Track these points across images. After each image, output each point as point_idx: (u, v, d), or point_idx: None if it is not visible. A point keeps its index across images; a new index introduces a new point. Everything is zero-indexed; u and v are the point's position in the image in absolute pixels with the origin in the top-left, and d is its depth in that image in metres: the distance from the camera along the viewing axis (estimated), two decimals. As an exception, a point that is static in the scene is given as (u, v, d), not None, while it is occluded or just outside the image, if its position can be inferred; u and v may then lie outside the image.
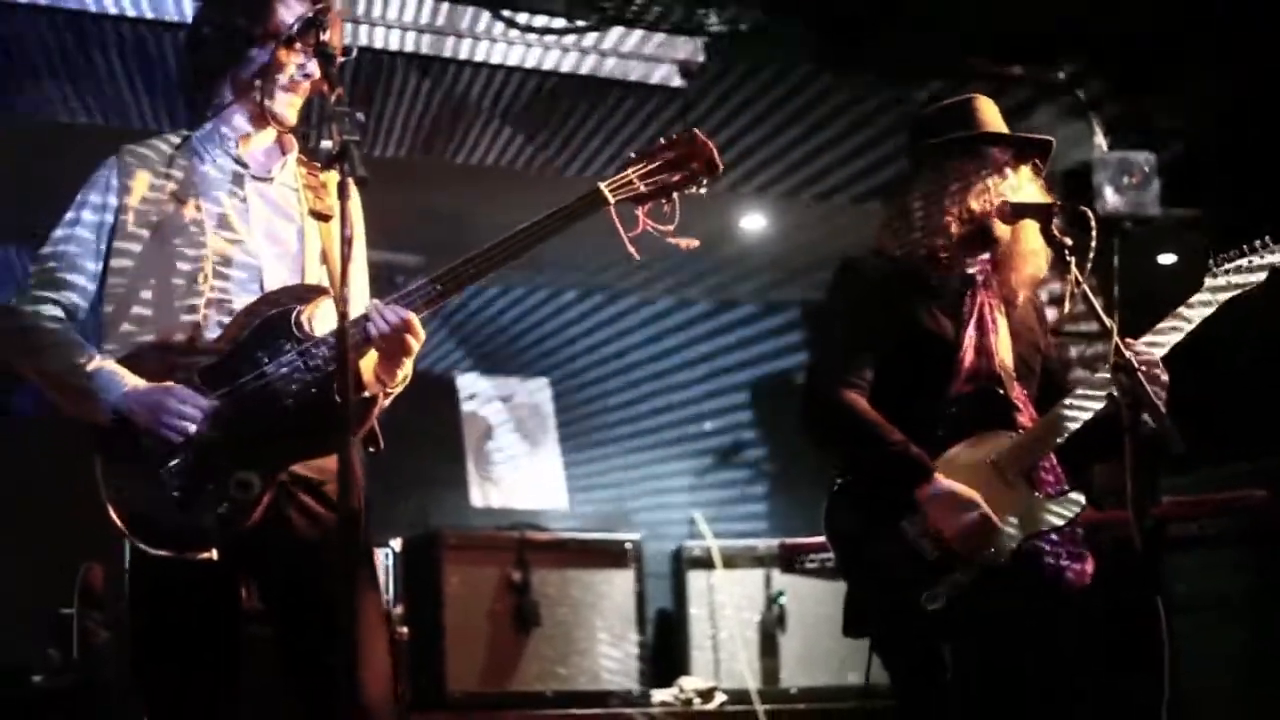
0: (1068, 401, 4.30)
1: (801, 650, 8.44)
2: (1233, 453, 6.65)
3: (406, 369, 3.88)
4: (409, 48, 7.42)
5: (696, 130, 3.91)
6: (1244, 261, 4.33)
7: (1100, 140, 8.24)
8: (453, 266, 3.77)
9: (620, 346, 10.18)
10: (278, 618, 3.88)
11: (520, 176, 8.14)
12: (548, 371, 10.08)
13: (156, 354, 3.80)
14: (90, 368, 3.76)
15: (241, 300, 3.83)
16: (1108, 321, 4.11)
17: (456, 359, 9.69)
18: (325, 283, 3.91)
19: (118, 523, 3.75)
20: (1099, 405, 4.24)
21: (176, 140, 4.02)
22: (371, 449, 3.94)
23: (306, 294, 3.84)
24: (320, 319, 3.81)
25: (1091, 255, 4.18)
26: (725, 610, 8.52)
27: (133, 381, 3.74)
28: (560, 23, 7.51)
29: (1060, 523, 4.23)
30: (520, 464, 9.64)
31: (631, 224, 3.88)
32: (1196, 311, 4.31)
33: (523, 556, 7.86)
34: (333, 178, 3.81)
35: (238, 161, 3.98)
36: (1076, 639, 4.32)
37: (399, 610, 6.71)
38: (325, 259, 3.95)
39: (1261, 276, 4.32)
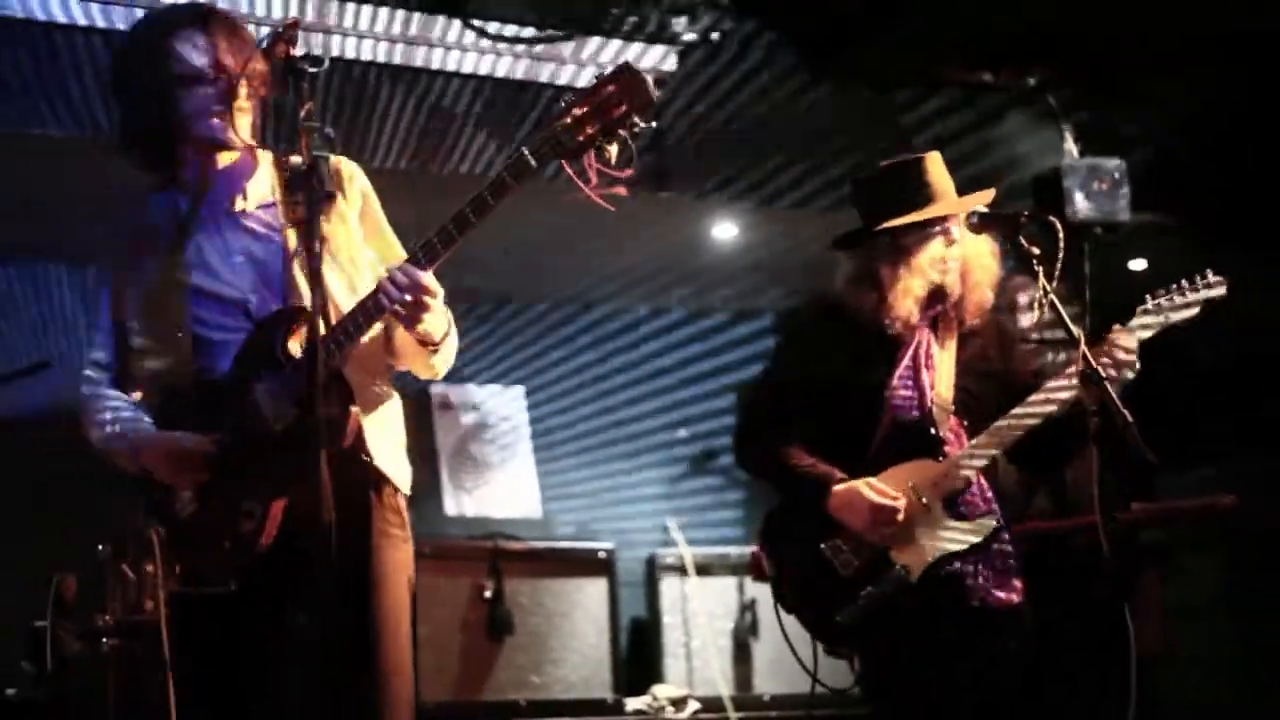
0: (988, 430, 4.45)
1: (774, 657, 8.44)
2: (1199, 458, 6.68)
3: (438, 323, 3.90)
4: (380, 58, 7.41)
5: (628, 62, 3.60)
6: (1176, 297, 4.37)
7: (1070, 147, 8.26)
8: (429, 238, 3.76)
9: (593, 356, 10.18)
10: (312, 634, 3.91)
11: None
12: (522, 380, 10.07)
13: (168, 403, 3.95)
14: (116, 430, 3.95)
15: (234, 336, 3.87)
16: (1075, 330, 4.15)
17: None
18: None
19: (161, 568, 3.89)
20: (1008, 440, 4.41)
21: (153, 195, 4.07)
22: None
23: (293, 317, 3.84)
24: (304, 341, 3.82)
25: (1059, 265, 4.22)
26: (698, 618, 8.54)
27: (142, 433, 3.91)
28: (531, 32, 7.51)
29: (967, 545, 4.39)
30: (494, 473, 9.63)
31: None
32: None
33: (496, 566, 7.87)
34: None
35: (204, 200, 3.98)
36: (1010, 657, 4.46)
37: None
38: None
39: (1194, 311, 4.37)
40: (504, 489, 9.65)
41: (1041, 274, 4.22)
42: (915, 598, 4.40)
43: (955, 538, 4.40)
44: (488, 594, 7.79)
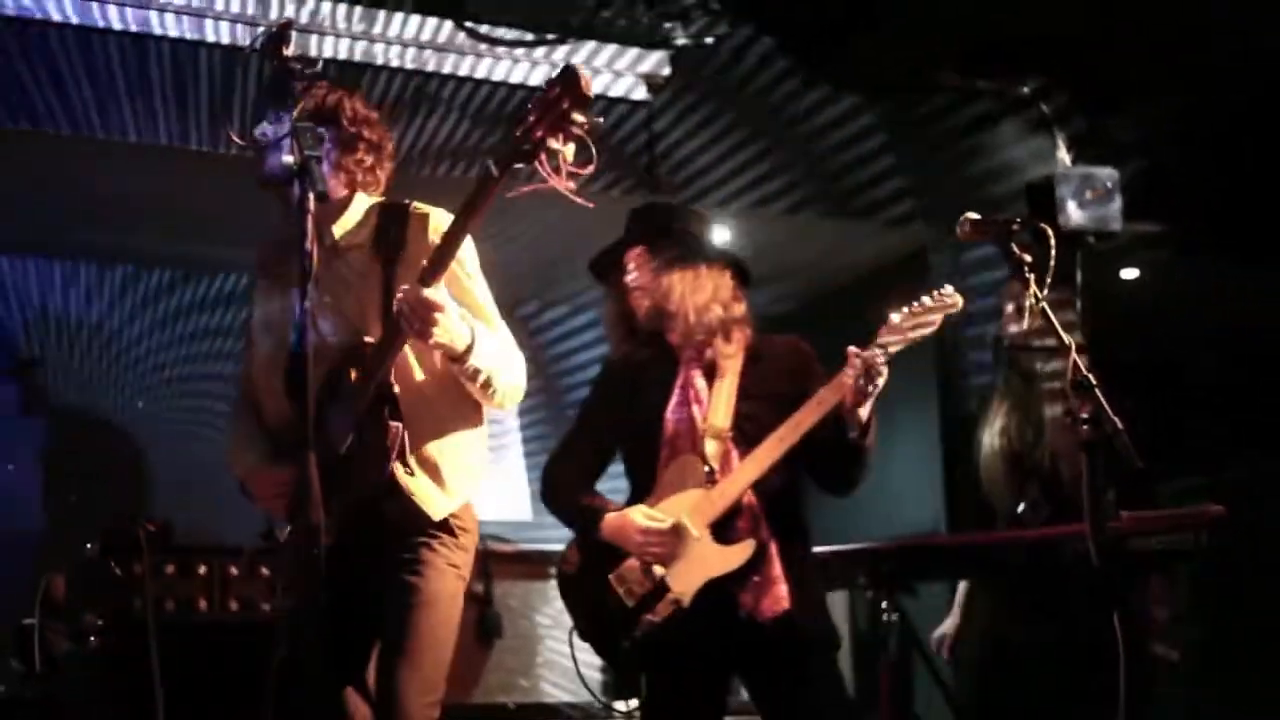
0: (750, 455, 4.56)
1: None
2: (1189, 467, 6.68)
3: (455, 335, 4.04)
4: (377, 60, 7.42)
5: (568, 64, 3.73)
6: (916, 313, 4.36)
7: (1064, 155, 8.27)
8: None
9: (584, 358, 10.18)
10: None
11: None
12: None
13: (268, 416, 4.30)
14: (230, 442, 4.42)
15: (317, 372, 3.93)
16: (1066, 338, 4.15)
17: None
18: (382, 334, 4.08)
19: None
20: (768, 465, 4.53)
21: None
22: None
23: (358, 351, 4.08)
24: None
25: (1050, 272, 4.24)
26: (688, 622, 8.52)
27: (239, 452, 4.35)
28: (526, 35, 7.52)
29: (730, 569, 4.52)
30: (484, 475, 9.59)
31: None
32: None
33: (486, 568, 7.85)
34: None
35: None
36: (783, 663, 4.58)
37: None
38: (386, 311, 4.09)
39: (934, 327, 4.37)
40: (494, 491, 9.63)
41: (1033, 281, 4.23)
42: (689, 620, 4.55)
43: (720, 563, 4.53)
44: (477, 597, 7.77)
